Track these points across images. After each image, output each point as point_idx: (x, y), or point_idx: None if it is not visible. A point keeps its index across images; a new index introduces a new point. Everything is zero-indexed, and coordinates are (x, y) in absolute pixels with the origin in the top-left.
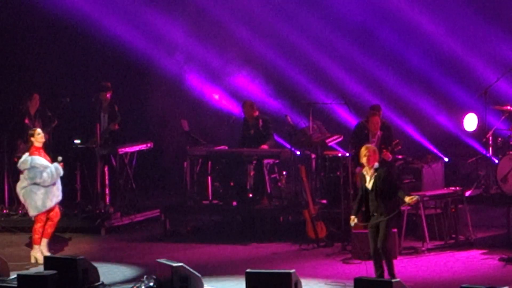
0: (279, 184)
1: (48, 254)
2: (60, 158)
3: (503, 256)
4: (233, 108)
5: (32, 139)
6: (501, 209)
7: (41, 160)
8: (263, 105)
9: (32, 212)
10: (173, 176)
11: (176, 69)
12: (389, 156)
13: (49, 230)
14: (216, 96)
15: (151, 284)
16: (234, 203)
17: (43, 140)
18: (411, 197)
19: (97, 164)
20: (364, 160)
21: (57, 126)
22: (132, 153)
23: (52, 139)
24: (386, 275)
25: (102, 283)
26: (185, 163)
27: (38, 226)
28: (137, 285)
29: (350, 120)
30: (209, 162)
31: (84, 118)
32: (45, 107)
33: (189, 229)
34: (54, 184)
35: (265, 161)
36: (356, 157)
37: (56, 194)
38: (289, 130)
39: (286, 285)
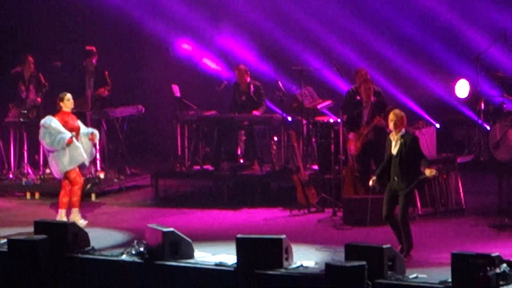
0: (270, 150)
1: (82, 221)
2: (73, 134)
3: (494, 222)
4: (224, 73)
5: (61, 103)
6: (492, 176)
7: (55, 123)
8: (254, 71)
9: (56, 176)
10: (164, 141)
11: (167, 34)
12: (383, 123)
13: (73, 198)
14: (207, 61)
15: (142, 249)
16: (225, 168)
17: (71, 106)
18: (430, 170)
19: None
20: (391, 125)
21: (48, 91)
22: (123, 117)
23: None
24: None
25: (93, 248)
26: (176, 128)
27: (75, 188)
28: (128, 250)
29: (341, 85)
30: (200, 128)
31: (74, 82)
32: (39, 71)
33: (179, 194)
34: (72, 150)
35: (256, 126)
36: (348, 124)
37: (74, 160)
38: (280, 95)
39: (276, 250)
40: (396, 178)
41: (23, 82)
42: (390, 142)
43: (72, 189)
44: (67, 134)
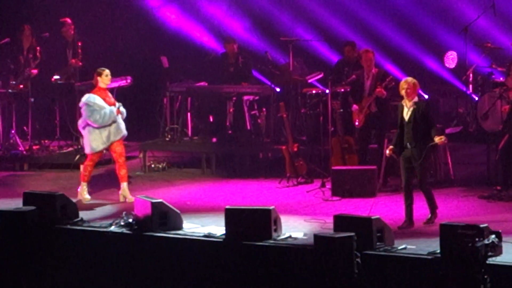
0: (259, 121)
1: (131, 198)
2: (118, 104)
3: (483, 193)
4: (213, 44)
5: (99, 78)
6: (480, 147)
7: (99, 100)
8: (243, 42)
9: (86, 150)
10: (152, 112)
11: (155, 4)
12: (383, 93)
13: (121, 172)
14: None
15: (130, 220)
16: (214, 139)
17: (109, 82)
18: (440, 137)
19: (76, 100)
20: (403, 92)
21: (39, 63)
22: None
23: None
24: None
25: (81, 219)
26: (165, 99)
27: (88, 164)
28: (116, 221)
29: (331, 57)
30: (189, 99)
31: (52, 53)
32: (35, 41)
33: (168, 165)
34: (110, 125)
35: (245, 97)
36: (352, 95)
37: (114, 134)
38: (269, 67)
39: (265, 221)
40: (409, 145)
41: (22, 53)
42: (403, 108)
43: (118, 162)
44: (112, 107)
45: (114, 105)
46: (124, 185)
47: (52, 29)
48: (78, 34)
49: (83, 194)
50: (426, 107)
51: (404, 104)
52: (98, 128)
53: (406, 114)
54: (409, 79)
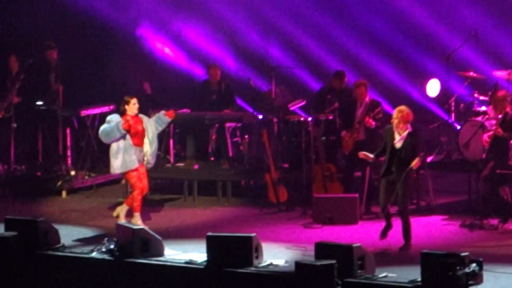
0: (241, 148)
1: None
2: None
3: (464, 222)
4: (196, 70)
5: (126, 107)
6: (462, 175)
7: (115, 117)
8: (226, 68)
9: (111, 170)
10: None
11: (136, 31)
12: (371, 123)
13: (134, 203)
14: (167, 50)
15: (112, 246)
16: (196, 166)
17: (136, 111)
18: (415, 160)
19: (59, 126)
20: (396, 122)
21: (20, 87)
22: (94, 115)
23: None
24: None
25: (63, 245)
26: None
27: (135, 194)
28: (98, 247)
29: (313, 84)
30: (172, 125)
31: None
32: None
33: (150, 191)
34: (126, 154)
35: (227, 124)
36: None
37: (128, 165)
38: (251, 93)
39: (246, 248)
40: (394, 170)
41: (11, 80)
42: (393, 134)
43: (131, 194)
44: (119, 120)
45: (139, 134)
46: (136, 214)
47: (37, 55)
48: (61, 59)
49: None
50: (418, 136)
51: (396, 131)
52: (113, 151)
53: (398, 141)
54: (402, 107)
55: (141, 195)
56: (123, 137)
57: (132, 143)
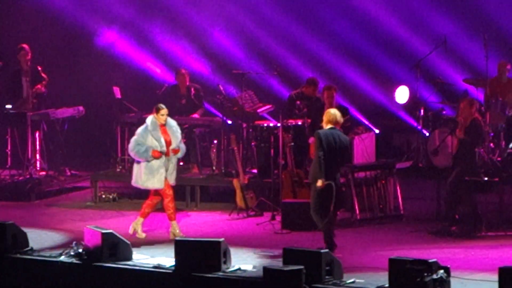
0: (210, 153)
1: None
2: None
3: (432, 228)
4: (166, 76)
5: (155, 114)
6: (431, 182)
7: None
8: (195, 74)
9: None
10: (104, 142)
11: (107, 35)
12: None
13: (168, 212)
14: (158, 70)
15: (80, 250)
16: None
17: (163, 121)
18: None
19: (28, 129)
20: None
21: None
22: (64, 118)
23: None
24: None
25: (31, 249)
26: (117, 130)
27: (166, 201)
28: (66, 251)
29: (282, 90)
30: None
31: (8, 83)
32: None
33: (119, 196)
34: (155, 172)
35: (196, 129)
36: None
37: (153, 182)
38: (220, 99)
39: (215, 253)
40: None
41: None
42: (333, 137)
43: (163, 203)
44: (148, 146)
45: (167, 144)
46: (173, 223)
47: (6, 58)
48: (33, 61)
49: (174, 230)
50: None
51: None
52: (142, 163)
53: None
54: (330, 110)
55: (172, 202)
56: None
57: (165, 158)
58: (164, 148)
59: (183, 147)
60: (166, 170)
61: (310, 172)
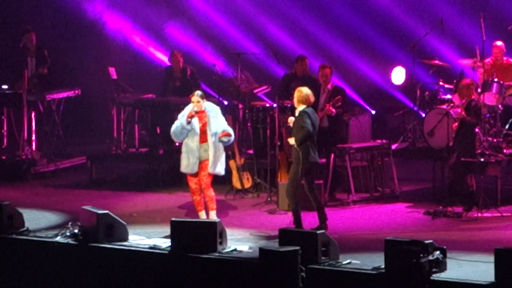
0: None
1: None
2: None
3: (428, 209)
4: (163, 56)
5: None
6: (427, 163)
7: (184, 115)
8: (191, 54)
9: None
10: (100, 123)
11: (101, 15)
12: (331, 111)
13: (208, 203)
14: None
15: (76, 231)
16: (161, 151)
17: (196, 109)
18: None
19: (24, 110)
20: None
21: None
22: (60, 99)
23: None
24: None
25: (27, 229)
26: (112, 111)
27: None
28: (62, 231)
29: (278, 71)
30: (136, 110)
31: (11, 63)
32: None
33: (115, 176)
34: (191, 157)
35: None
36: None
37: (189, 167)
38: (217, 79)
39: (211, 234)
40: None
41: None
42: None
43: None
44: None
45: (203, 128)
46: (211, 213)
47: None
48: (40, 43)
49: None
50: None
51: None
52: (183, 150)
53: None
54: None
55: (196, 194)
56: (193, 137)
57: (199, 142)
58: (197, 131)
59: (230, 131)
60: (199, 157)
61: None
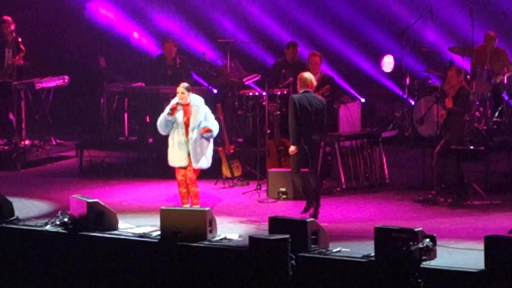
0: None
1: None
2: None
3: (418, 197)
4: (151, 45)
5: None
6: (416, 151)
7: (168, 108)
8: (180, 43)
9: None
10: (90, 112)
11: (92, 4)
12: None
13: (192, 198)
14: (136, 34)
15: (66, 219)
16: (150, 140)
17: (181, 101)
18: None
19: (13, 99)
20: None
21: None
22: (49, 88)
23: None
24: None
25: (17, 218)
26: (102, 99)
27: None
28: (52, 220)
29: (268, 59)
30: (126, 99)
31: None
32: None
33: (104, 165)
34: (177, 150)
35: None
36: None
37: (175, 161)
38: (206, 68)
39: (200, 222)
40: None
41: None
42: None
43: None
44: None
45: (185, 124)
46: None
47: None
48: (16, 33)
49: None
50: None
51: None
52: (170, 144)
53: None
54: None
55: (182, 187)
56: (178, 130)
57: (185, 136)
58: (182, 124)
59: (211, 126)
60: (187, 151)
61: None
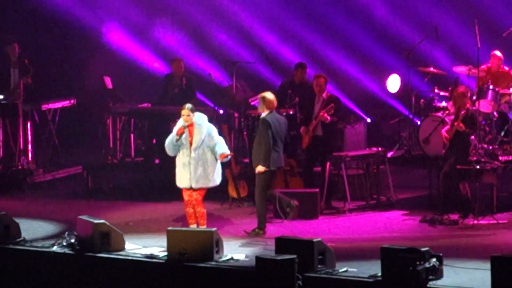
0: None
1: None
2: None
3: (424, 217)
4: (158, 65)
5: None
6: (422, 170)
7: (175, 130)
8: (187, 63)
9: None
10: (96, 133)
11: (98, 25)
12: (326, 118)
13: (198, 219)
14: (156, 64)
15: (73, 240)
16: (157, 161)
17: (185, 123)
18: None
19: (20, 120)
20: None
21: None
22: (55, 109)
23: None
24: None
25: (24, 239)
26: (108, 120)
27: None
28: (59, 241)
29: (274, 79)
30: (132, 120)
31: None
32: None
33: (111, 186)
34: (182, 171)
35: None
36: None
37: (181, 181)
38: (212, 88)
39: (207, 243)
40: None
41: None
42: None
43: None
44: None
45: (191, 142)
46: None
47: None
48: (22, 53)
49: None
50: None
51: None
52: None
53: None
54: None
55: (189, 207)
56: (183, 151)
57: (190, 156)
58: (187, 145)
59: (222, 148)
60: (189, 171)
61: (253, 156)
